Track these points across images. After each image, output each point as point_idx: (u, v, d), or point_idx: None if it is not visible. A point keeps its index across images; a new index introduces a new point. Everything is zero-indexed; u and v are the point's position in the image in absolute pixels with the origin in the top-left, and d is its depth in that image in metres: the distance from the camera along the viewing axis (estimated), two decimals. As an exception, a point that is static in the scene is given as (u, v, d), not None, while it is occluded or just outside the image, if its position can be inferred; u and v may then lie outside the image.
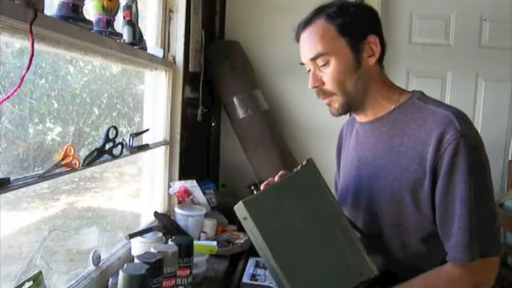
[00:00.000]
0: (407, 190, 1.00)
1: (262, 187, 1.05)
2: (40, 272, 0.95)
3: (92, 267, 1.27)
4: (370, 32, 1.05)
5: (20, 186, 0.92)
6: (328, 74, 1.04)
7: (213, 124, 2.52)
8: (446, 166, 0.95)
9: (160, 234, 1.40)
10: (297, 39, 1.10)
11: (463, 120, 0.98)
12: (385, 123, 1.08)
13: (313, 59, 1.05)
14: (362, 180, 1.13)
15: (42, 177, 1.00)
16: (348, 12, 1.04)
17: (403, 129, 1.04)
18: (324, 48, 1.03)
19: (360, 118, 1.15)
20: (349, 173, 1.20)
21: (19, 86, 0.80)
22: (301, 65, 1.11)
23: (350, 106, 1.08)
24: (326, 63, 1.04)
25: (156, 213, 1.65)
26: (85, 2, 1.04)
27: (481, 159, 0.98)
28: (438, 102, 1.06)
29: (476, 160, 0.96)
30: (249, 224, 0.98)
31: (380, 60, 1.07)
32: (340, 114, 1.10)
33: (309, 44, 1.06)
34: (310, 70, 1.08)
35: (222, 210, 1.96)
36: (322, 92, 1.07)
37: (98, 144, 1.24)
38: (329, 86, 1.05)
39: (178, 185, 1.77)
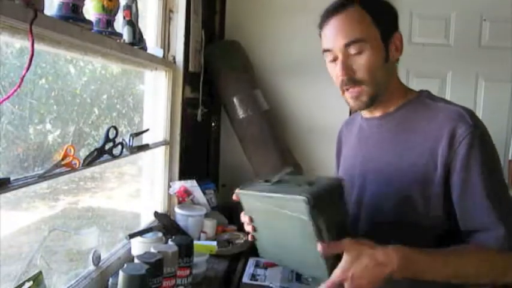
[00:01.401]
0: (416, 186, 0.99)
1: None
2: (40, 272, 0.95)
3: (92, 267, 1.27)
4: (396, 28, 1.07)
5: (20, 186, 0.92)
6: (361, 63, 1.01)
7: (213, 124, 2.52)
8: (462, 160, 0.95)
9: (160, 234, 1.40)
10: (322, 25, 1.06)
11: (473, 115, 0.99)
12: (392, 120, 1.08)
13: (348, 45, 1.01)
14: (366, 176, 1.11)
15: (42, 177, 1.00)
16: (381, 5, 1.05)
17: (411, 125, 1.04)
18: (361, 34, 1.00)
19: (367, 113, 1.13)
20: (352, 169, 1.18)
21: (19, 86, 0.80)
22: (325, 52, 1.06)
23: (377, 98, 1.05)
24: (360, 51, 1.00)
25: (156, 213, 1.66)
26: (85, 2, 1.04)
27: (494, 152, 0.99)
28: (446, 100, 1.06)
29: (491, 153, 0.98)
30: None
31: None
32: (366, 108, 1.07)
33: (344, 29, 1.01)
34: (331, 60, 1.05)
35: (222, 210, 1.97)
36: (353, 81, 1.02)
37: (98, 144, 1.25)
38: (361, 75, 1.02)
39: (178, 185, 1.77)
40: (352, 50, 1.01)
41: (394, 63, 1.08)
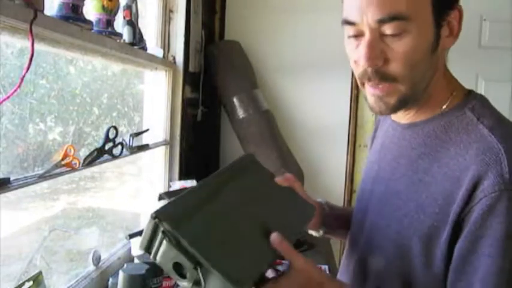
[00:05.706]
0: (418, 237, 0.72)
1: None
2: (40, 272, 0.95)
3: (92, 267, 1.27)
4: (456, 1, 0.73)
5: (20, 186, 0.92)
6: (399, 51, 0.69)
7: (213, 124, 2.52)
8: (473, 225, 0.65)
9: (160, 234, 1.40)
10: None
11: None
12: (417, 135, 0.78)
13: (383, 21, 0.68)
14: (371, 200, 0.85)
15: (42, 177, 1.00)
16: None
17: (436, 150, 0.74)
18: (408, 9, 0.67)
19: (395, 116, 0.84)
20: (364, 184, 0.93)
21: (19, 86, 0.80)
22: (345, 24, 0.73)
23: (409, 102, 0.75)
24: (400, 33, 0.68)
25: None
26: (85, 2, 1.04)
27: None
28: (496, 122, 0.73)
29: None
30: None
31: None
32: (391, 113, 0.78)
33: None
34: (352, 35, 0.73)
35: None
36: (381, 76, 0.71)
37: (98, 144, 1.24)
38: (396, 67, 0.70)
39: (178, 185, 1.77)
40: (388, 30, 0.69)
41: (442, 53, 0.77)
